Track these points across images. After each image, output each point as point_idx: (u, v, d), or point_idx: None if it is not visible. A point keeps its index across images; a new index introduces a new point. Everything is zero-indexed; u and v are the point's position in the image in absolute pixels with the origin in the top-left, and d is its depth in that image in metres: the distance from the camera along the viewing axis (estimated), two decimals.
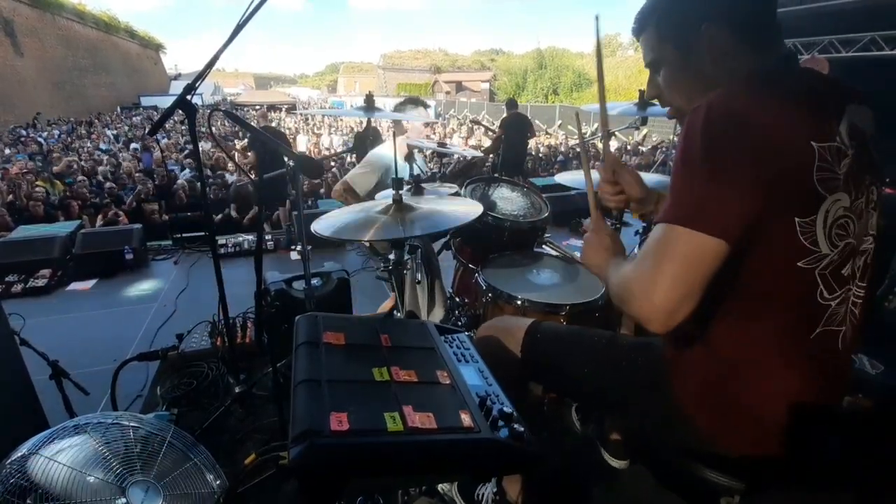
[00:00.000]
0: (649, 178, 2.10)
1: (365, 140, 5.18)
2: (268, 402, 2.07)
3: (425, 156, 3.87)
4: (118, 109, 25.47)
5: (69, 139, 14.22)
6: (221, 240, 4.27)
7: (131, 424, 1.31)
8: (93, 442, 1.19)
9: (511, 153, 6.50)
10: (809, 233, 0.74)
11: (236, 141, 10.37)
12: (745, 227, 0.72)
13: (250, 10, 1.36)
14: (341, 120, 18.59)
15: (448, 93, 39.72)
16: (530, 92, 37.11)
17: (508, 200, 2.23)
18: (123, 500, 1.13)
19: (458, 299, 2.16)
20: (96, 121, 19.37)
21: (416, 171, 2.46)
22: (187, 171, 8.35)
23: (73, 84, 23.11)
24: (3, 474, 1.08)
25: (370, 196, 2.42)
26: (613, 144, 11.96)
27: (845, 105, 0.79)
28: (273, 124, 8.93)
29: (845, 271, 0.79)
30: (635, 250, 2.18)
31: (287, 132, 13.37)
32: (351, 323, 1.04)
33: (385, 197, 1.94)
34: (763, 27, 0.84)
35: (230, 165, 8.06)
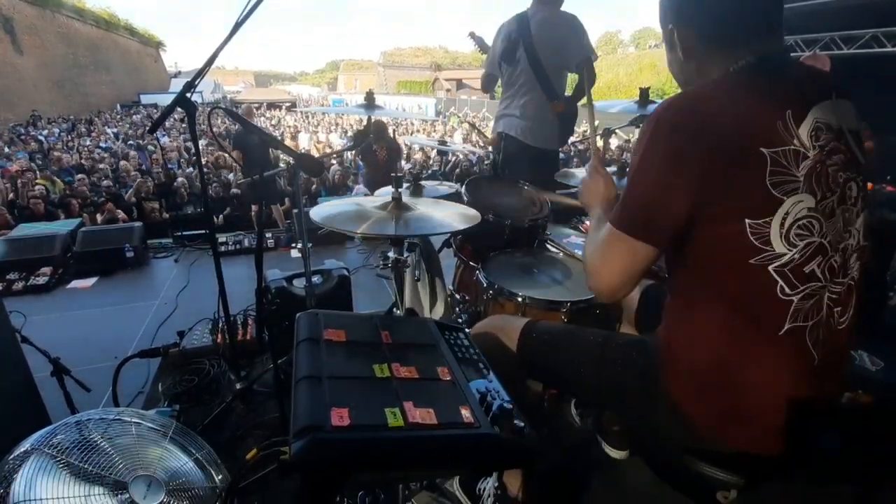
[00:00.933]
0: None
1: (366, 137, 5.19)
2: (269, 399, 2.08)
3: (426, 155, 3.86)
4: (118, 107, 25.45)
5: (69, 137, 14.23)
6: (222, 238, 4.27)
7: (133, 420, 1.31)
8: (95, 437, 1.19)
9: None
10: (761, 233, 0.77)
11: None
12: (680, 233, 0.82)
13: (250, 6, 1.36)
14: (343, 117, 18.58)
15: (448, 90, 39.66)
16: None
17: (509, 198, 2.23)
18: (126, 494, 1.13)
19: (458, 296, 2.17)
20: (96, 119, 19.37)
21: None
22: (191, 168, 8.37)
23: (73, 82, 23.06)
24: (5, 470, 1.08)
25: None
26: (614, 142, 11.96)
27: (812, 105, 0.79)
28: (273, 122, 8.92)
29: (809, 268, 0.79)
30: None
31: (287, 130, 13.37)
32: (352, 320, 1.04)
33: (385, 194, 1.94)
34: (732, 29, 0.85)
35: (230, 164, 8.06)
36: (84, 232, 4.00)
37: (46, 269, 3.64)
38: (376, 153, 5.71)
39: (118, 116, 21.58)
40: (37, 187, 6.37)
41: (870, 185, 1.38)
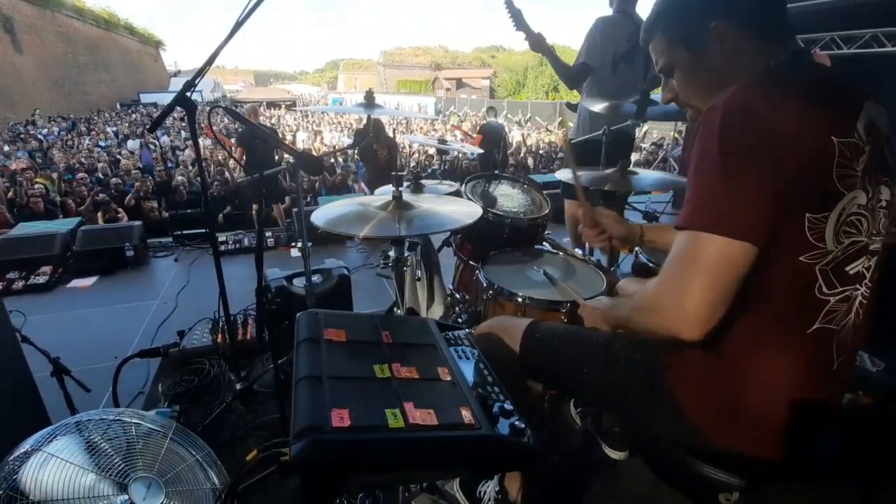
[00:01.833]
0: (651, 175, 2.10)
1: (365, 136, 5.19)
2: (269, 399, 2.07)
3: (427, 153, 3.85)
4: (118, 106, 25.44)
5: (68, 136, 14.22)
6: (222, 237, 4.27)
7: (133, 421, 1.31)
8: (95, 438, 1.19)
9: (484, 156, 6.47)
10: (818, 229, 0.73)
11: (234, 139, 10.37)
12: (769, 226, 0.71)
13: (250, 6, 1.35)
14: (342, 116, 18.57)
15: (448, 90, 39.66)
16: (531, 89, 37.04)
17: (509, 197, 2.23)
18: (125, 496, 1.13)
19: (458, 296, 2.17)
20: (96, 118, 19.36)
21: None
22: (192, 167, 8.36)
23: (73, 81, 23.08)
24: (5, 471, 1.08)
25: None
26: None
27: (863, 101, 0.77)
28: (273, 121, 8.92)
29: (850, 269, 0.77)
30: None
31: (287, 129, 13.35)
32: (352, 320, 1.04)
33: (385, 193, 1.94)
34: (774, 22, 0.83)
35: (231, 163, 8.05)
36: (84, 231, 4.00)
37: (46, 268, 3.64)
38: (376, 153, 5.71)
39: (115, 116, 21.54)
40: (36, 186, 6.36)
41: None
